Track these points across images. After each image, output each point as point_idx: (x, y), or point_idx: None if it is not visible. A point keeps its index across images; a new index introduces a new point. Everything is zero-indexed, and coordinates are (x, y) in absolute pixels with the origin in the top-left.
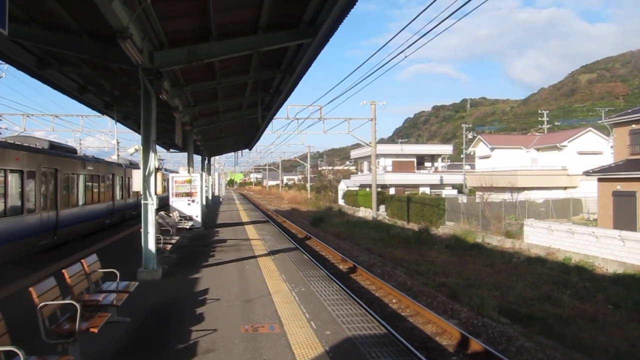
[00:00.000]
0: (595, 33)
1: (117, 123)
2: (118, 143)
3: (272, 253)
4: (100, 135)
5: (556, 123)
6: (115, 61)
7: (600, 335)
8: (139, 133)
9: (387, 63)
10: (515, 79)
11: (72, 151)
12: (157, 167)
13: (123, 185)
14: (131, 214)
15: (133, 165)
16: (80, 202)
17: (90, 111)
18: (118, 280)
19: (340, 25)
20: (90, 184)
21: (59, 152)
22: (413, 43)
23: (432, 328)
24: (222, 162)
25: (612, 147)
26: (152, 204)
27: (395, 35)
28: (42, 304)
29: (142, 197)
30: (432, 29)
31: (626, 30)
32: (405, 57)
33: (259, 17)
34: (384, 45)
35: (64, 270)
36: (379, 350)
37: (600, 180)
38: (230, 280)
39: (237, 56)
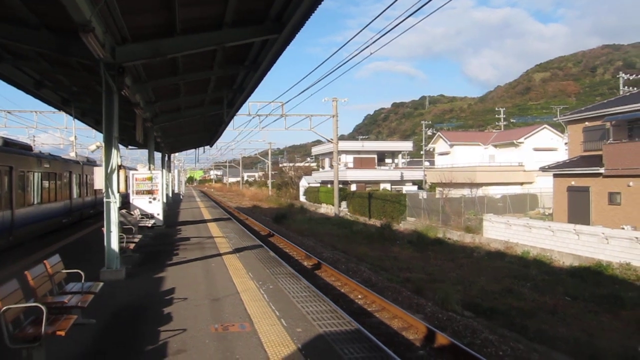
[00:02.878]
0: (548, 33)
1: (75, 120)
2: (76, 139)
3: (237, 251)
4: (55, 132)
5: (512, 120)
6: (75, 56)
7: (561, 327)
8: (97, 129)
9: (351, 59)
10: (472, 77)
11: (27, 148)
12: (119, 164)
13: (81, 182)
14: (89, 213)
15: (91, 163)
16: (37, 201)
17: (45, 107)
18: (83, 281)
19: (306, 23)
20: (46, 182)
21: (14, 149)
22: (376, 40)
23: (398, 323)
24: (182, 159)
25: (566, 143)
26: (114, 202)
27: (358, 33)
28: (5, 308)
29: (105, 195)
30: (393, 28)
31: (577, 30)
32: (371, 53)
33: (225, 13)
34: (347, 43)
35: (26, 272)
36: (351, 347)
37: (555, 176)
38: (196, 279)
39: (201, 51)
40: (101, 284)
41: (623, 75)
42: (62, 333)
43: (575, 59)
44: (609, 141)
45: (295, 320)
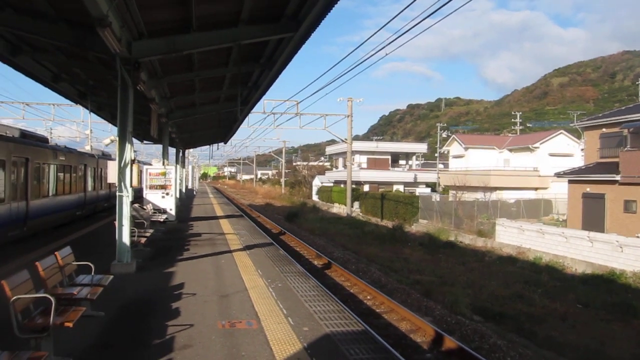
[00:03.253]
0: (567, 37)
1: (91, 113)
2: (91, 132)
3: (247, 248)
4: (71, 125)
5: (528, 125)
6: (92, 49)
7: (570, 334)
8: (113, 124)
9: (367, 59)
10: (489, 80)
11: (43, 140)
12: (133, 158)
13: (95, 176)
14: (103, 206)
15: (106, 156)
16: (51, 193)
17: (62, 100)
18: (93, 273)
19: (322, 22)
20: (61, 174)
21: (30, 141)
22: (393, 41)
23: (406, 325)
24: (196, 155)
25: (582, 149)
26: (127, 196)
27: (375, 33)
28: (15, 298)
29: (117, 189)
30: (410, 29)
31: (596, 35)
32: (387, 54)
33: (241, 10)
34: (363, 43)
35: (37, 263)
36: (357, 348)
37: (570, 182)
38: (205, 275)
39: (217, 48)
40: (111, 277)
41: None
42: (70, 324)
43: (594, 64)
44: (626, 148)
45: (303, 319)
